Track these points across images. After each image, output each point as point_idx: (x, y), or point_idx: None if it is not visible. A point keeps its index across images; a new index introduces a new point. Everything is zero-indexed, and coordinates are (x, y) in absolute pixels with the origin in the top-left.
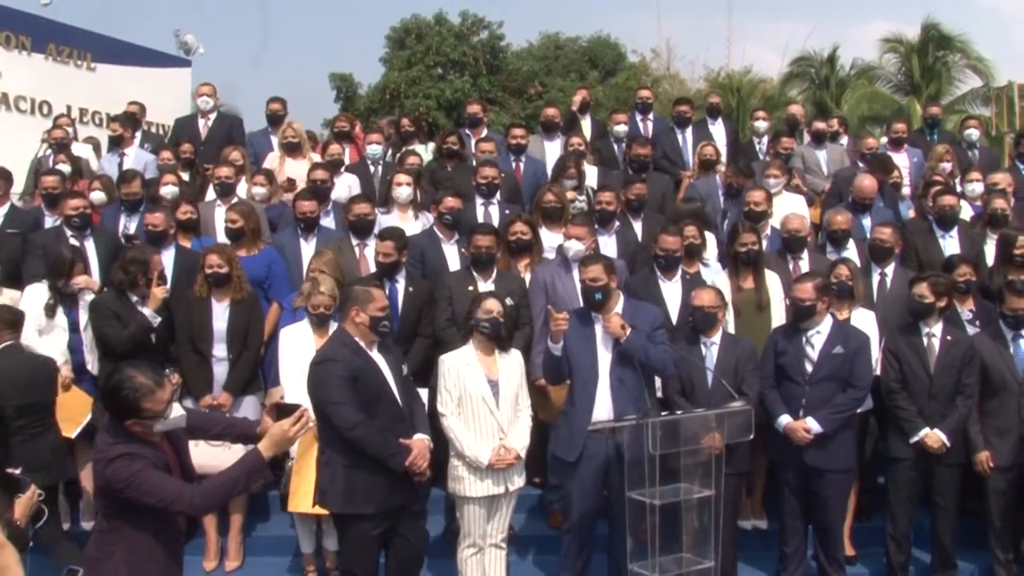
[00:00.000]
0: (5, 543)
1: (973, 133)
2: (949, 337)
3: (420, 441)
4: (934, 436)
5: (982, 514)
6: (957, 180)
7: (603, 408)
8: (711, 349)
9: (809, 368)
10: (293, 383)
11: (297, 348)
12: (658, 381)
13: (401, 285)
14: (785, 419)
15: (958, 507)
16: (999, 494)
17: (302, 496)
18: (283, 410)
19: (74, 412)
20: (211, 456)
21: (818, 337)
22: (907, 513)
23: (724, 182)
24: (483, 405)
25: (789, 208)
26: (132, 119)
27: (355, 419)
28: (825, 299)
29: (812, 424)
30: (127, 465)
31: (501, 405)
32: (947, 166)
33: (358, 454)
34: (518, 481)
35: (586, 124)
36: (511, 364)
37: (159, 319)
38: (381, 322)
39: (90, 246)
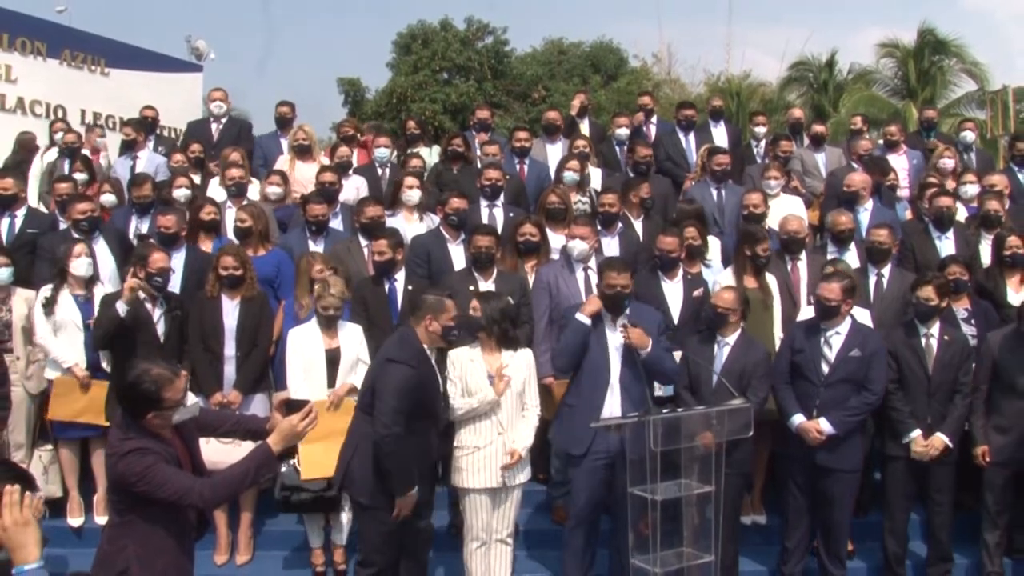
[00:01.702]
0: (31, 521)
1: (968, 135)
2: (947, 337)
3: (413, 499)
4: (938, 439)
5: (977, 508)
6: (955, 181)
7: (611, 409)
8: (723, 349)
9: (825, 369)
10: (299, 384)
11: (305, 349)
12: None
13: (400, 283)
14: (798, 419)
15: (954, 502)
16: (995, 488)
17: (315, 464)
18: (292, 405)
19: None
20: (221, 452)
21: (836, 338)
22: (904, 509)
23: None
24: None
25: (787, 210)
26: (145, 123)
27: (397, 429)
28: (849, 300)
29: (825, 426)
30: (140, 459)
31: (503, 402)
32: (949, 163)
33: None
34: (521, 476)
35: (585, 128)
36: (518, 363)
37: (127, 309)
38: (452, 331)
39: (101, 248)
